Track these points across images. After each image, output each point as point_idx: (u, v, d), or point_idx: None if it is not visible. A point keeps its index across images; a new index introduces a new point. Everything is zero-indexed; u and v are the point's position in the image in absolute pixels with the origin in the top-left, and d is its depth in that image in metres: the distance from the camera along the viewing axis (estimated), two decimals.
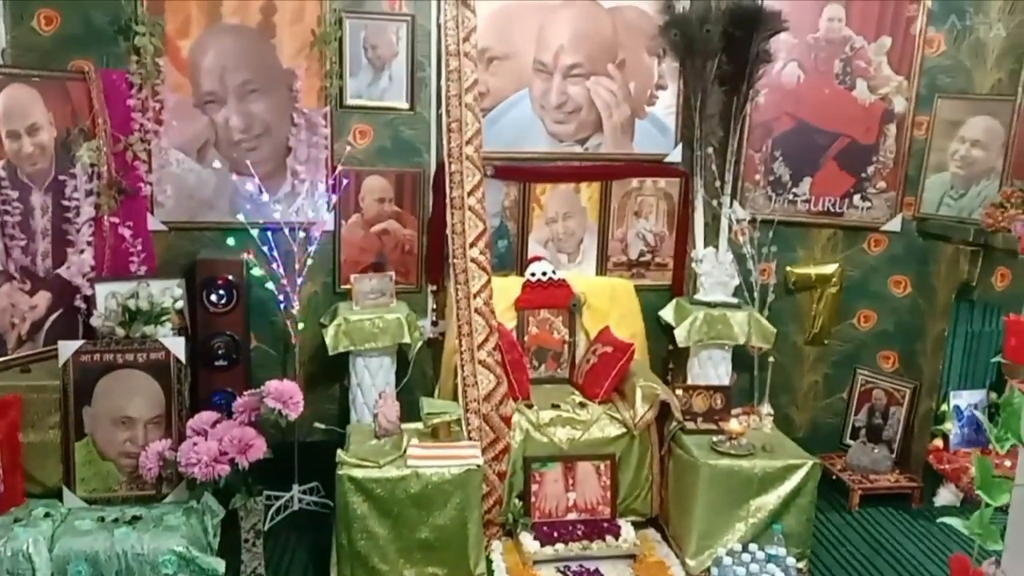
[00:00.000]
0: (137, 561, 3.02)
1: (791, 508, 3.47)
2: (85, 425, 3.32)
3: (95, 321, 3.46)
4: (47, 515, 3.16)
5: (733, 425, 3.59)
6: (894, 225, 4.40)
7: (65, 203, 3.60)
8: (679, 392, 3.87)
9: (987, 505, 1.28)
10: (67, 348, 3.32)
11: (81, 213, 3.64)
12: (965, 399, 4.05)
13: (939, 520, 2.48)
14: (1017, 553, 1.24)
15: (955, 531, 2.54)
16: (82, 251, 3.65)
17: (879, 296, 4.50)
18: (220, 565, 3.16)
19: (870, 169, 4.38)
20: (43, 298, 3.54)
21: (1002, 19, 4.02)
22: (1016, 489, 1.23)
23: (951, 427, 4.05)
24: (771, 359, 4.23)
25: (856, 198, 4.42)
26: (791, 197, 4.46)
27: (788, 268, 4.50)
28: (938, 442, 4.07)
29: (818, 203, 4.45)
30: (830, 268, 4.49)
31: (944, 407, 4.10)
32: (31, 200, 3.47)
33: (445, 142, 3.89)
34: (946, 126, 4.23)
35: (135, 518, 3.18)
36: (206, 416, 3.33)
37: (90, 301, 3.60)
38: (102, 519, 3.17)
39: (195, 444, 3.16)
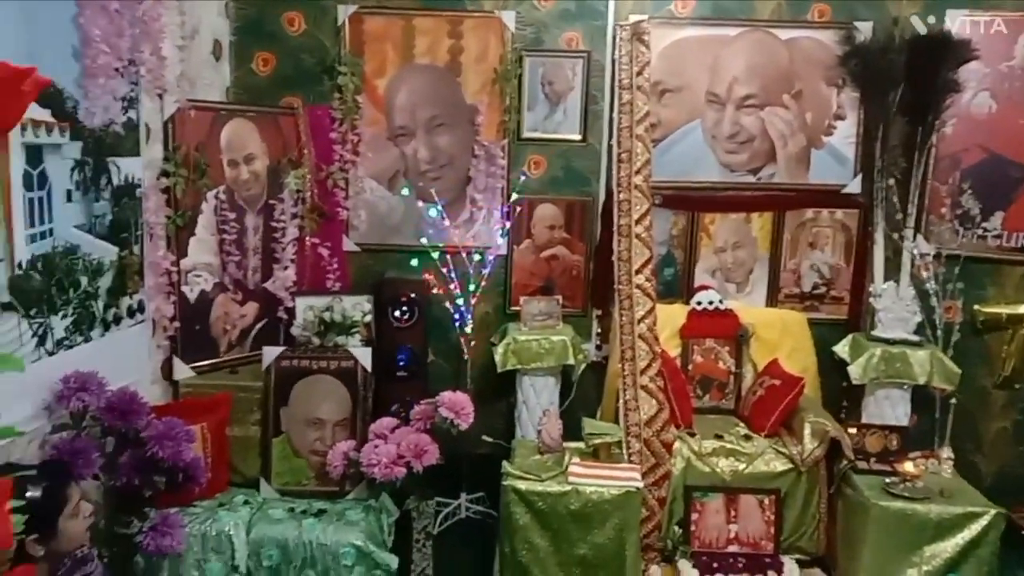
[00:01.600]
0: (320, 551, 3.31)
1: (970, 558, 3.28)
2: (282, 424, 3.68)
3: (294, 330, 3.84)
4: (246, 502, 3.52)
5: (908, 467, 3.44)
6: None
7: (274, 224, 4.02)
8: (851, 430, 3.75)
9: None
10: (270, 353, 3.71)
11: (287, 234, 4.06)
12: None
13: None
14: None
15: None
16: (286, 267, 4.06)
17: None
18: (393, 561, 3.39)
19: None
20: (251, 308, 3.97)
21: None
22: None
23: None
24: (953, 401, 4.00)
25: None
26: (980, 232, 4.23)
27: (976, 307, 4.25)
28: None
29: (1011, 239, 4.19)
30: (1023, 308, 4.19)
31: None
32: (245, 221, 3.91)
33: (615, 172, 4.02)
34: None
35: (321, 511, 3.48)
36: (387, 422, 3.60)
37: (291, 312, 3.97)
38: (292, 510, 3.50)
39: (376, 447, 3.43)
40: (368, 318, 3.94)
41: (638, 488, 3.37)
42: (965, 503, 3.34)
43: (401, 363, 4.00)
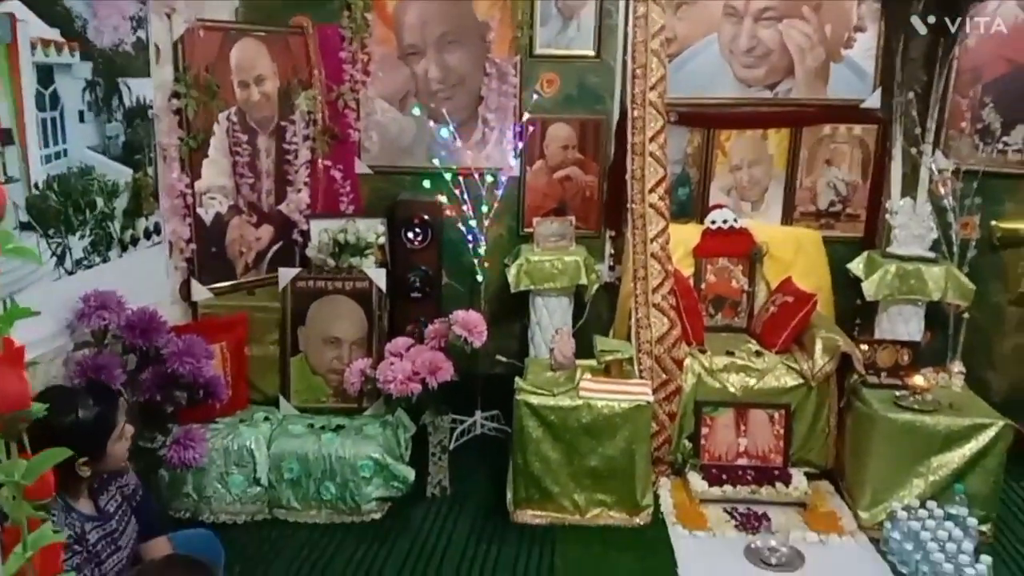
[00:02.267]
0: (340, 464, 3.43)
1: (976, 469, 3.32)
2: (299, 343, 3.76)
3: (309, 252, 3.89)
4: (266, 419, 3.64)
5: (918, 380, 3.47)
6: None
7: (286, 146, 4.03)
8: (863, 346, 3.76)
9: None
10: (286, 275, 3.77)
11: (299, 156, 4.06)
12: None
13: None
14: None
15: None
16: (299, 190, 4.08)
17: None
18: (410, 473, 3.51)
19: None
20: (266, 231, 4.01)
21: None
22: None
23: None
24: (965, 316, 4.00)
25: None
26: (1001, 146, 4.15)
27: (994, 222, 4.20)
28: None
29: None
30: None
31: None
32: (257, 143, 3.92)
33: (629, 88, 3.95)
34: None
35: (339, 427, 3.59)
36: (402, 341, 3.68)
37: (306, 235, 4.02)
38: (311, 426, 3.61)
39: (392, 364, 3.51)
40: (382, 240, 3.97)
41: (648, 402, 3.44)
42: (973, 415, 3.37)
43: (415, 284, 4.04)
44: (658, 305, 3.81)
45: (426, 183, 4.14)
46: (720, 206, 4.29)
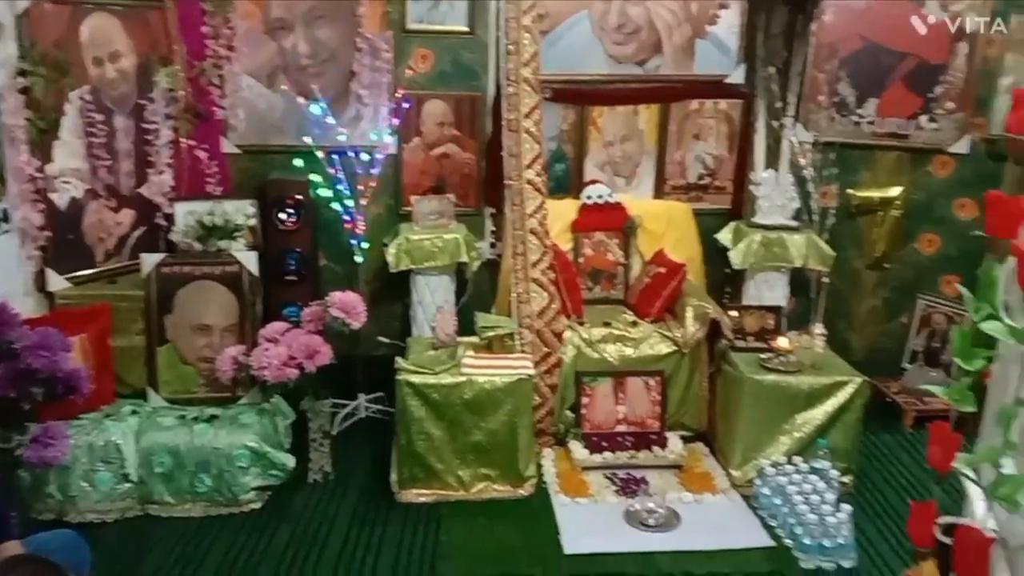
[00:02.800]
0: (214, 454, 3.31)
1: (837, 424, 3.52)
2: (167, 332, 3.60)
3: (175, 236, 3.72)
4: (134, 412, 3.47)
5: (781, 342, 3.64)
6: (962, 147, 4.28)
7: (145, 126, 3.82)
8: (732, 312, 3.92)
9: (964, 372, 1.35)
10: (150, 261, 3.59)
11: (160, 136, 3.86)
12: None
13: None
14: (993, 413, 1.33)
15: None
16: (162, 172, 3.89)
17: (943, 220, 4.41)
18: (290, 460, 3.43)
19: (938, 89, 4.25)
20: (127, 215, 3.81)
21: None
22: (997, 357, 1.30)
23: None
24: (825, 280, 4.22)
25: (923, 119, 4.31)
26: (856, 119, 4.38)
27: (850, 191, 4.45)
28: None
29: (884, 125, 4.36)
30: (894, 191, 4.41)
31: None
32: (114, 123, 3.70)
33: (503, 65, 3.95)
34: (1020, 45, 4.06)
35: (213, 417, 3.47)
36: (277, 326, 3.57)
37: (170, 219, 3.84)
38: (183, 417, 3.47)
39: (266, 350, 3.41)
40: (252, 222, 3.84)
41: (529, 375, 3.47)
42: (833, 374, 3.57)
43: (290, 267, 3.94)
44: (538, 280, 3.85)
45: (298, 162, 4.01)
46: (595, 181, 4.36)
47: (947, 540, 1.38)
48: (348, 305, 3.48)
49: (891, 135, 4.38)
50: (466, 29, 4.21)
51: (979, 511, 1.32)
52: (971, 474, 1.32)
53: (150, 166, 3.86)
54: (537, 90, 3.97)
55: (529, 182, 3.93)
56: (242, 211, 3.81)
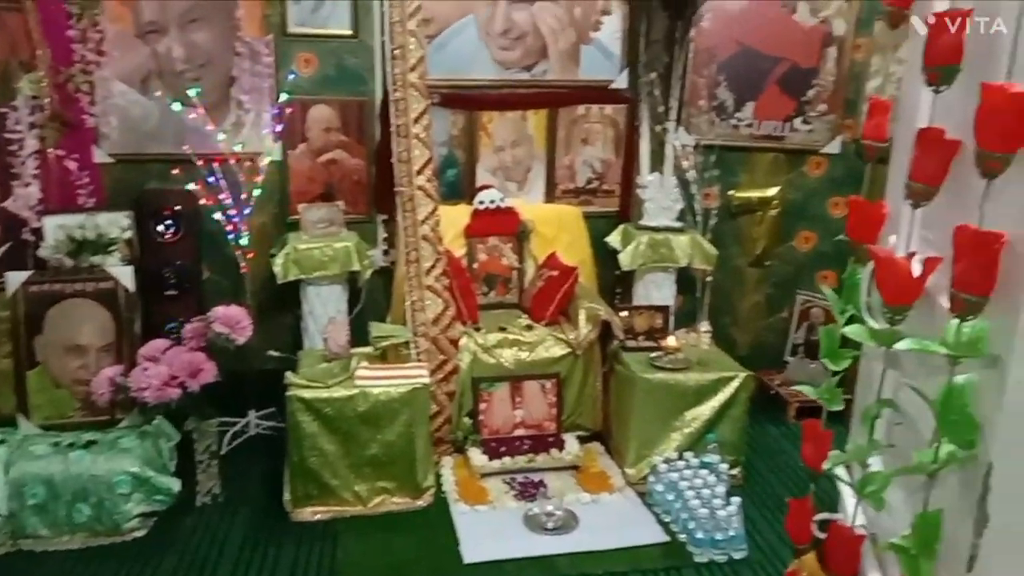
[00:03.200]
0: (93, 482, 3.14)
1: (725, 418, 3.64)
2: (37, 354, 3.38)
3: (44, 252, 3.50)
4: (2, 441, 3.25)
5: (670, 341, 3.74)
6: (834, 147, 4.51)
7: (8, 136, 3.57)
8: (622, 313, 3.99)
9: (832, 372, 1.41)
10: (15, 279, 3.37)
11: (25, 146, 3.61)
12: None
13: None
14: (861, 411, 1.39)
15: None
16: (28, 184, 3.64)
17: (819, 218, 4.63)
18: (175, 484, 3.28)
19: (811, 92, 4.46)
20: None
21: None
22: (862, 357, 1.37)
23: None
24: (709, 280, 4.36)
25: (797, 121, 4.51)
26: (734, 122, 4.54)
27: (731, 192, 4.61)
28: None
29: (760, 127, 4.54)
30: (771, 191, 4.60)
31: None
32: None
33: (389, 70, 3.90)
34: (885, 49, 4.31)
35: (90, 442, 3.28)
36: (158, 344, 3.42)
37: (38, 233, 3.61)
38: (57, 444, 3.26)
39: (146, 370, 3.25)
40: (128, 234, 3.65)
41: (425, 384, 3.44)
42: (719, 369, 3.69)
43: (170, 280, 3.77)
44: (432, 287, 3.82)
45: (176, 172, 3.84)
46: (487, 186, 4.36)
47: (823, 536, 1.43)
48: (232, 320, 3.36)
49: (768, 137, 4.56)
50: (350, 33, 4.13)
51: (850, 508, 1.38)
52: (842, 473, 1.38)
53: (14, 178, 3.61)
54: (425, 95, 3.94)
55: (420, 188, 3.90)
56: (116, 224, 3.62)
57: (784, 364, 4.67)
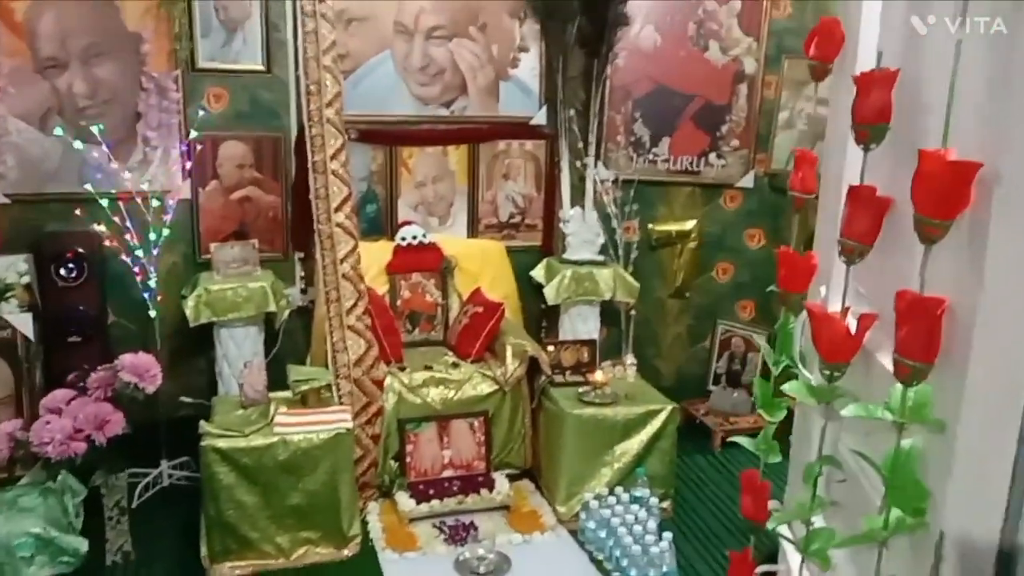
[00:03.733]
0: None
1: (653, 451, 3.64)
2: None
3: None
4: None
5: (598, 376, 3.73)
6: (747, 181, 4.63)
7: None
8: (549, 348, 3.98)
9: (768, 423, 1.41)
10: None
11: None
12: None
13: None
14: (798, 462, 1.38)
15: None
16: None
17: (735, 249, 4.74)
18: (82, 544, 3.06)
19: (724, 128, 4.58)
20: None
21: None
22: (797, 406, 1.37)
23: None
24: (632, 312, 4.39)
25: (712, 156, 4.62)
26: (651, 157, 4.62)
27: (650, 225, 4.67)
28: None
29: (677, 162, 4.63)
30: (689, 224, 4.68)
31: None
32: None
33: (304, 105, 3.82)
34: (794, 86, 4.47)
35: None
36: (60, 394, 3.21)
37: None
38: None
39: (48, 423, 3.04)
40: (26, 279, 3.44)
41: (348, 429, 3.33)
42: (646, 402, 3.70)
43: (73, 327, 3.56)
44: (353, 327, 3.72)
45: (79, 212, 3.65)
46: (409, 222, 4.30)
47: None
48: (140, 368, 3.18)
49: (684, 171, 4.65)
50: (263, 68, 4.03)
51: (794, 564, 1.37)
52: (785, 532, 1.36)
53: None
54: (342, 131, 3.87)
55: (339, 225, 3.81)
56: (14, 268, 3.41)
57: (707, 393, 4.73)
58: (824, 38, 1.31)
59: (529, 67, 4.43)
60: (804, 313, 1.31)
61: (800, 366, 1.34)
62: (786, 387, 1.31)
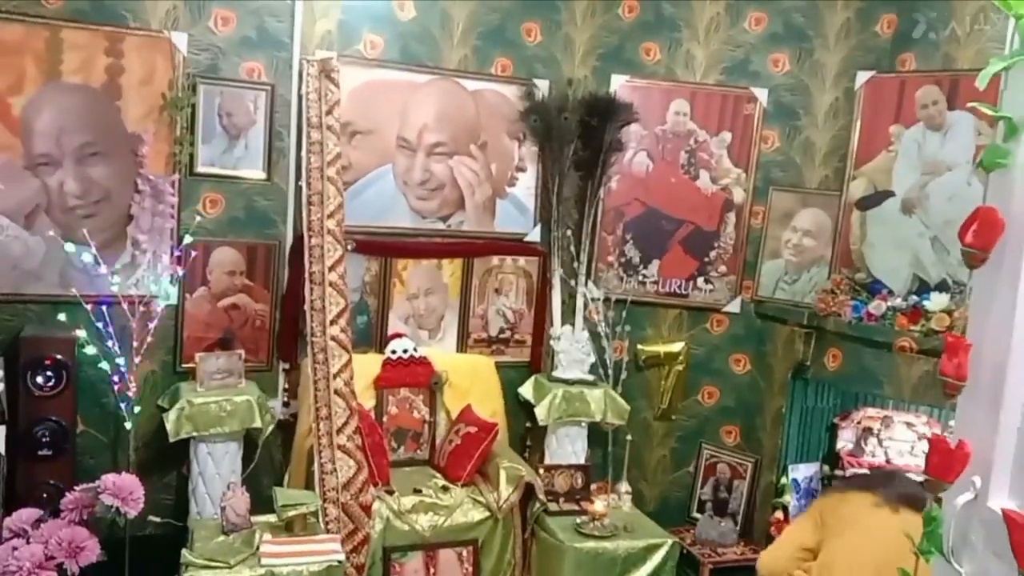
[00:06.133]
0: None
1: None
2: None
3: None
4: None
5: (598, 506, 3.62)
6: (734, 307, 4.67)
7: None
8: (541, 472, 3.86)
9: None
10: None
11: None
12: (802, 472, 4.29)
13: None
14: None
15: None
16: None
17: (721, 373, 4.74)
18: None
19: (712, 254, 4.65)
20: None
21: (827, 122, 4.45)
22: None
23: (790, 499, 4.27)
24: (629, 437, 4.32)
25: (700, 280, 4.66)
26: (641, 278, 4.65)
27: (639, 346, 4.66)
28: (779, 514, 4.26)
29: (666, 284, 4.66)
30: (677, 346, 4.68)
31: (784, 479, 4.32)
32: None
33: (305, 215, 3.76)
34: (780, 216, 4.58)
35: None
36: (26, 514, 2.98)
37: None
38: None
39: (15, 548, 2.79)
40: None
41: (340, 561, 3.14)
42: (645, 536, 3.60)
43: (44, 440, 3.31)
44: (343, 447, 3.56)
45: (61, 316, 3.46)
46: (400, 335, 4.21)
47: None
48: (124, 490, 2.98)
49: (672, 294, 4.68)
50: (263, 176, 3.97)
51: None
52: None
53: None
54: (342, 242, 3.82)
55: (334, 338, 3.71)
56: None
57: (691, 520, 4.63)
58: (984, 226, 1.30)
59: (526, 186, 4.48)
60: (956, 503, 1.25)
61: (951, 559, 1.28)
62: None
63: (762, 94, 4.50)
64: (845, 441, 4.30)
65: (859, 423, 4.30)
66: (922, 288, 3.95)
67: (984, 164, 1.30)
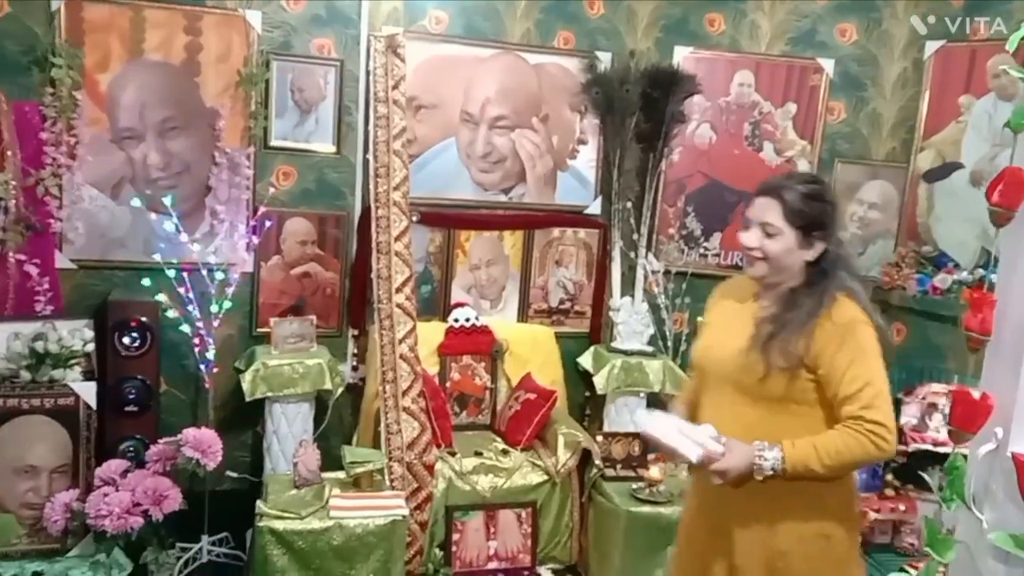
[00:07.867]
0: None
1: None
2: None
3: None
4: None
5: (654, 473, 3.68)
6: None
7: None
8: (599, 439, 3.94)
9: (935, 560, 1.38)
10: None
11: None
12: None
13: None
14: None
15: None
16: None
17: None
18: None
19: None
20: None
21: (895, 93, 4.37)
22: (959, 544, 1.35)
23: None
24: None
25: None
26: (702, 251, 4.66)
27: (699, 319, 4.66)
28: None
29: (728, 257, 4.67)
30: None
31: None
32: None
33: (372, 187, 3.89)
34: (845, 189, 4.53)
35: (36, 574, 3.00)
36: (115, 465, 3.20)
37: None
38: None
39: (106, 495, 3.02)
40: (90, 347, 3.44)
41: (404, 516, 3.28)
42: None
43: (131, 397, 3.54)
44: (408, 409, 3.70)
45: (145, 281, 3.68)
46: (462, 304, 4.33)
47: None
48: (204, 443, 3.17)
49: (734, 267, 4.67)
50: (333, 149, 4.12)
51: None
52: None
53: None
54: (407, 213, 3.94)
55: (399, 306, 3.84)
56: (78, 335, 3.41)
57: None
58: (1010, 186, 1.33)
59: (587, 159, 4.52)
60: (979, 453, 1.30)
61: (972, 507, 1.32)
62: (993, 536, 1.29)
63: (828, 65, 4.44)
64: (909, 416, 4.24)
65: (924, 398, 4.24)
66: (990, 261, 3.87)
67: (1012, 125, 1.32)
